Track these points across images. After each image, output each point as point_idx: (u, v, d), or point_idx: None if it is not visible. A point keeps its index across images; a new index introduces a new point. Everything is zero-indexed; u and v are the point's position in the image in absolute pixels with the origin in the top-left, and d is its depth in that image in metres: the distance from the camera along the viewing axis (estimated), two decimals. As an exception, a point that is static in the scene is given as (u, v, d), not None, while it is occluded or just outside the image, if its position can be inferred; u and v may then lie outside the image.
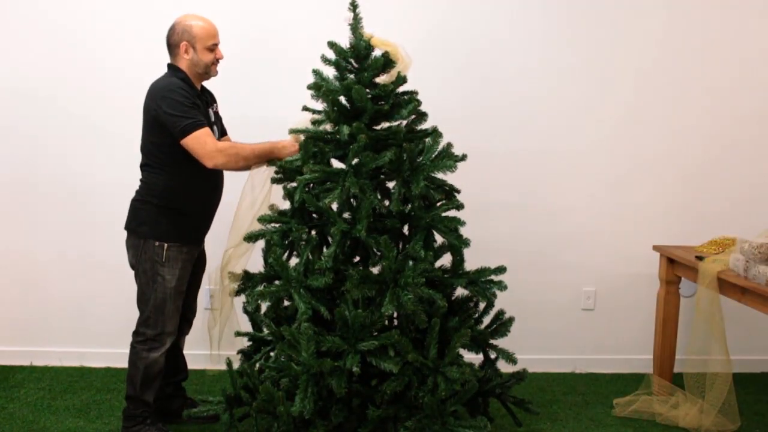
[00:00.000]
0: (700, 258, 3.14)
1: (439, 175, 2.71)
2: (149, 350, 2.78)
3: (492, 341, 2.89)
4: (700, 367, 3.17)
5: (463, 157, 2.74)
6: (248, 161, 2.75)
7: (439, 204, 2.73)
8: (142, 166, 2.79)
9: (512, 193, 3.69)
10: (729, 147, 3.75)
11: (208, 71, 2.79)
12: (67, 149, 3.55)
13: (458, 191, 2.81)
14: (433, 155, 2.70)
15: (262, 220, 2.75)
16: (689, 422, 3.11)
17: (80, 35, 3.50)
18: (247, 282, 2.80)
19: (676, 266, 3.35)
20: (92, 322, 3.66)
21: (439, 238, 2.77)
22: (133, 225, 2.78)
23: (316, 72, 2.78)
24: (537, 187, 3.71)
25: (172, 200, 2.73)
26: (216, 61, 2.79)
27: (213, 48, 2.76)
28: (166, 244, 2.72)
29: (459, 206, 2.74)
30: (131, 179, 3.53)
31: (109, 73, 3.53)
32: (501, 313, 2.91)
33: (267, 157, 2.79)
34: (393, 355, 2.55)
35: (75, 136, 3.55)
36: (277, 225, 2.73)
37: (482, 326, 2.91)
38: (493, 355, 2.91)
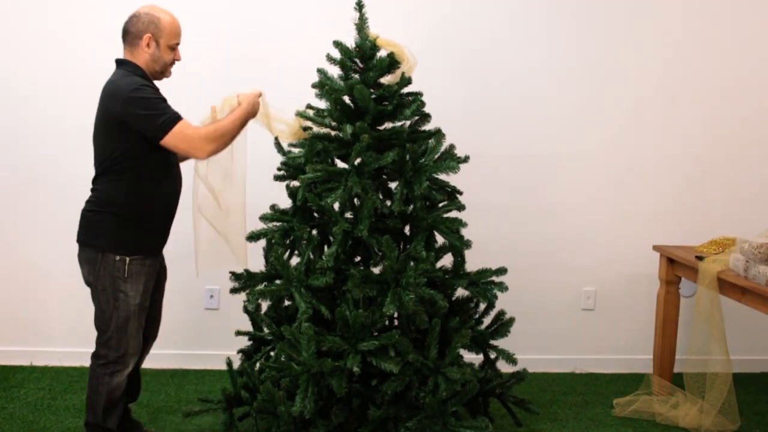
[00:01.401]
0: (700, 258, 3.15)
1: (442, 176, 2.71)
2: (112, 374, 2.55)
3: (492, 341, 2.89)
4: (700, 367, 3.17)
5: (466, 159, 2.74)
6: (234, 135, 2.55)
7: (440, 205, 2.73)
8: (98, 176, 2.52)
9: (512, 193, 3.69)
10: (729, 147, 3.75)
11: (164, 71, 2.58)
12: (67, 149, 3.54)
13: (460, 192, 2.81)
14: (436, 156, 2.70)
15: (263, 218, 2.75)
16: (689, 422, 3.12)
17: (80, 35, 3.50)
18: (247, 281, 2.80)
19: (676, 266, 3.35)
20: (92, 322, 3.64)
21: (440, 239, 2.77)
22: (88, 238, 2.50)
23: (320, 71, 2.78)
24: (537, 188, 3.71)
25: (132, 210, 2.49)
26: (173, 63, 2.59)
27: (174, 47, 2.56)
28: (128, 258, 2.48)
29: (460, 207, 2.74)
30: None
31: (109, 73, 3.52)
32: (501, 313, 2.91)
33: (246, 119, 2.60)
34: (393, 355, 2.56)
35: (75, 136, 3.54)
36: (278, 224, 2.73)
37: (483, 327, 2.92)
38: (493, 356, 2.91)
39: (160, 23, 2.50)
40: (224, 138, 2.50)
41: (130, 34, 2.51)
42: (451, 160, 2.68)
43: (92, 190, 2.54)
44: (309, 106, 2.82)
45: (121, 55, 2.57)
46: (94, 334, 3.62)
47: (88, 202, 2.54)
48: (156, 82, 2.56)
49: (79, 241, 2.54)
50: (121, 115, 2.38)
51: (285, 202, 2.86)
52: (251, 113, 2.61)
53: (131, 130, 2.40)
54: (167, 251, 2.75)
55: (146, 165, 2.47)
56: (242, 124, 2.58)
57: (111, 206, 2.47)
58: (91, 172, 3.51)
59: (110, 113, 2.42)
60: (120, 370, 2.56)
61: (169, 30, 2.52)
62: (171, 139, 2.40)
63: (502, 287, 2.78)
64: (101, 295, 2.52)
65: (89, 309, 3.63)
